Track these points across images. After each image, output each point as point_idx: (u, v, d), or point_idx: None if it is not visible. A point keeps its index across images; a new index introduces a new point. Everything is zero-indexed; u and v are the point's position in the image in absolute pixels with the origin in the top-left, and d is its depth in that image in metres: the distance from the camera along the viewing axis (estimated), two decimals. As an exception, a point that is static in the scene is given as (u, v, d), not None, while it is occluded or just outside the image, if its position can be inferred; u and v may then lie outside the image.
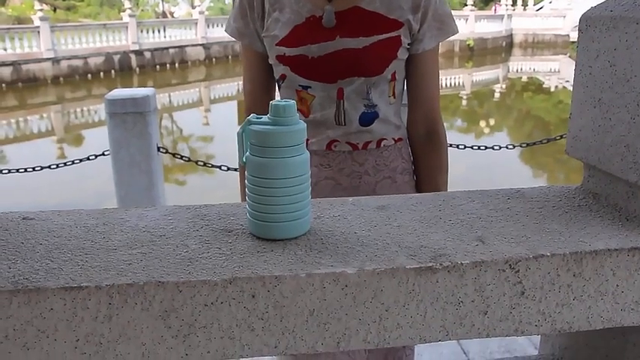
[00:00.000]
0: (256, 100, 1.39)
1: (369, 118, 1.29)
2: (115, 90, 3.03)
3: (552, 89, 18.98)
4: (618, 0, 0.87)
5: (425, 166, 1.39)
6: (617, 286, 0.76)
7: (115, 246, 0.75)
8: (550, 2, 37.69)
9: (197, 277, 0.66)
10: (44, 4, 19.18)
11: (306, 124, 0.78)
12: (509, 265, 0.73)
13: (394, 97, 1.33)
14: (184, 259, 0.71)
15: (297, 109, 1.31)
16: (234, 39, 1.38)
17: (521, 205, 0.91)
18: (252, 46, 1.35)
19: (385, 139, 1.33)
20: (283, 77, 1.31)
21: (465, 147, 3.29)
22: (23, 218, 0.85)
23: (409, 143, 1.40)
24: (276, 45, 1.28)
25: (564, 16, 30.35)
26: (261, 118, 0.77)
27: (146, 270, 0.68)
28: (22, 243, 0.77)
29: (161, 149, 2.97)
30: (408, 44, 1.28)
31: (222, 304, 0.66)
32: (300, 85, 1.29)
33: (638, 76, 0.80)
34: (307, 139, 1.31)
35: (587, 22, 0.90)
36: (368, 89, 1.26)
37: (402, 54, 1.28)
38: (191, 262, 0.70)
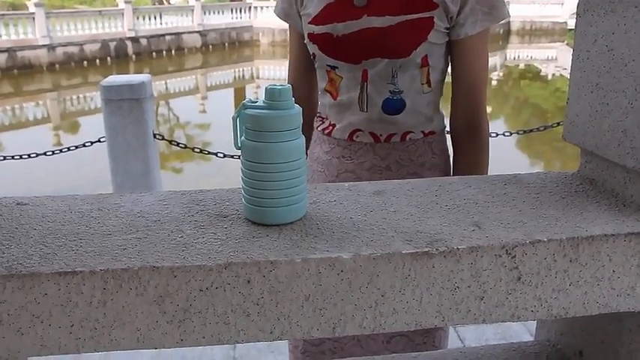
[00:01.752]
0: (297, 80, 1.39)
1: (394, 105, 1.23)
2: (111, 76, 3.01)
3: (549, 77, 18.95)
4: (617, -16, 0.86)
5: (462, 162, 1.31)
6: (614, 271, 0.76)
7: (110, 231, 0.74)
8: (548, -11, 37.51)
9: (192, 262, 0.66)
10: (39, -10, 18.98)
11: (301, 109, 0.77)
12: (506, 250, 0.72)
13: (429, 86, 1.25)
14: (179, 244, 0.70)
15: (327, 91, 1.31)
16: (281, 20, 1.38)
17: (517, 190, 0.91)
18: (295, 27, 1.34)
19: (412, 132, 1.26)
20: (314, 56, 1.29)
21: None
22: (17, 204, 0.85)
23: (451, 136, 1.33)
24: (309, 23, 1.26)
25: (562, 4, 30.23)
26: (255, 102, 0.77)
27: (141, 255, 0.67)
28: (16, 228, 0.76)
29: (157, 136, 2.96)
30: (446, 28, 1.20)
31: (217, 289, 0.66)
32: (328, 65, 1.26)
33: (637, 61, 0.79)
34: (333, 125, 1.31)
35: (586, 5, 0.89)
36: (394, 73, 1.20)
37: (436, 38, 1.20)
38: (186, 248, 0.69)
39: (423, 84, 1.24)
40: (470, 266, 0.71)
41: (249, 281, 0.66)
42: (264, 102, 0.75)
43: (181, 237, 0.72)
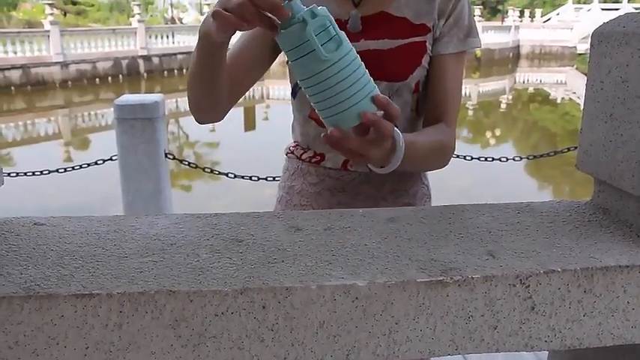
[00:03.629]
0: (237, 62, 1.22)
1: None
2: (124, 95, 3.05)
3: (559, 101, 18.96)
4: (631, 16, 0.87)
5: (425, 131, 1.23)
6: (628, 303, 0.76)
7: (126, 253, 0.75)
8: (557, 14, 37.73)
9: (208, 286, 0.66)
10: (55, 9, 19.29)
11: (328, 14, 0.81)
12: (520, 279, 0.72)
13: (416, 114, 1.25)
14: (195, 268, 0.71)
15: (312, 118, 1.25)
16: None
17: (531, 219, 0.91)
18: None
19: None
20: None
21: (472, 158, 3.29)
22: (34, 224, 0.86)
23: None
24: None
25: (571, 28, 30.39)
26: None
27: (157, 278, 0.68)
28: (34, 249, 0.77)
29: (169, 155, 2.98)
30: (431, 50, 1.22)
31: (232, 314, 0.67)
32: None
33: (651, 93, 0.80)
34: (321, 154, 1.25)
35: (599, 37, 0.90)
36: (390, 97, 1.19)
37: (426, 61, 1.21)
38: (202, 272, 0.70)
39: (412, 110, 1.24)
40: (484, 295, 0.72)
41: (264, 307, 0.67)
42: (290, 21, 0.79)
43: (197, 261, 0.73)
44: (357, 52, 0.88)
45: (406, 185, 1.27)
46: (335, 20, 1.19)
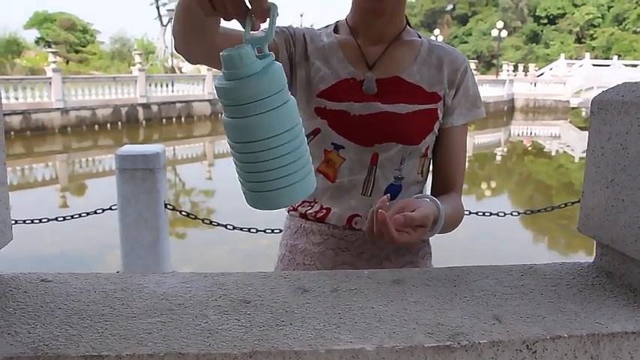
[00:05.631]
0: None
1: (394, 191, 1.23)
2: (126, 146, 3.08)
3: (553, 153, 19.16)
4: (628, 86, 0.90)
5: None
6: (635, 370, 0.76)
7: (134, 313, 0.75)
8: (551, 69, 38.58)
9: (217, 349, 0.66)
10: (58, 57, 19.65)
11: (281, 66, 0.68)
12: (527, 345, 0.73)
13: (422, 176, 1.28)
14: (204, 330, 0.71)
15: (321, 172, 1.23)
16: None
17: (535, 282, 0.92)
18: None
19: None
20: (316, 132, 1.21)
21: (470, 213, 3.31)
22: (42, 280, 0.86)
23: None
24: (317, 96, 1.20)
25: (564, 83, 30.99)
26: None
27: (166, 340, 0.68)
28: (41, 307, 0.77)
29: (168, 206, 2.99)
30: (442, 118, 1.26)
31: (240, 378, 0.66)
32: (332, 144, 1.20)
33: (651, 161, 0.82)
34: (328, 209, 1.25)
35: (599, 105, 0.93)
36: (402, 159, 1.22)
37: (437, 128, 1.25)
38: (211, 334, 0.70)
39: (418, 173, 1.26)
40: (491, 361, 0.72)
41: (272, 371, 0.67)
42: (223, 72, 0.66)
43: (206, 322, 0.73)
44: (374, 114, 0.88)
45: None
46: (350, 79, 1.22)
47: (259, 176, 0.67)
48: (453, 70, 1.25)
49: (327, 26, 1.31)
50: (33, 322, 0.73)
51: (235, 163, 0.70)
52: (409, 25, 1.29)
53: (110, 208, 3.05)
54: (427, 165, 1.29)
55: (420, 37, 1.28)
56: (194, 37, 1.03)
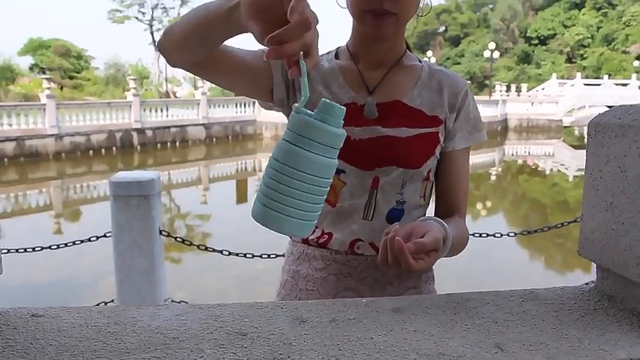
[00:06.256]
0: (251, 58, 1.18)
1: (396, 215, 1.23)
2: (120, 172, 3.06)
3: (547, 172, 19.23)
4: (625, 109, 0.90)
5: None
6: (641, 398, 0.74)
7: (128, 348, 0.73)
8: (543, 89, 38.96)
9: (213, 386, 0.64)
10: (52, 83, 19.69)
11: (346, 134, 0.77)
12: (531, 375, 0.71)
13: (424, 199, 1.27)
14: (199, 365, 0.69)
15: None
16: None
17: (536, 308, 0.90)
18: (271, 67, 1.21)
19: None
20: None
21: (467, 233, 3.29)
22: (32, 315, 0.84)
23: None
24: None
25: (557, 102, 31.27)
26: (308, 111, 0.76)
27: (160, 377, 0.66)
28: (31, 343, 0.75)
29: (163, 232, 2.96)
30: (443, 142, 1.25)
31: (237, 415, 0.64)
32: None
33: (650, 184, 0.81)
34: (329, 233, 1.24)
35: (596, 127, 0.92)
36: (403, 183, 1.21)
37: (438, 151, 1.25)
38: (206, 369, 0.68)
39: (420, 197, 1.25)
40: (495, 392, 0.70)
41: (270, 407, 0.65)
42: (316, 113, 0.75)
43: (201, 357, 0.71)
44: (375, 138, 0.89)
45: None
46: (351, 103, 1.22)
47: (283, 199, 0.74)
48: (454, 94, 1.25)
49: (328, 52, 1.32)
50: None
51: (267, 177, 0.76)
52: (409, 50, 1.29)
53: (105, 235, 3.02)
54: (430, 188, 1.28)
55: (420, 62, 1.29)
56: (197, 43, 1.03)
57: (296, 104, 0.75)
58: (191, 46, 1.04)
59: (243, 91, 1.26)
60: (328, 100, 0.75)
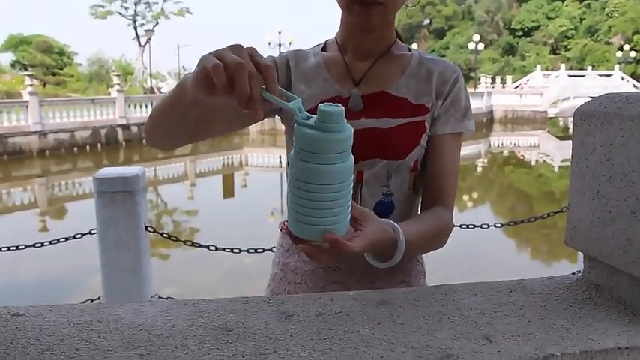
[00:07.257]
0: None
1: (384, 209, 1.21)
2: (105, 169, 3.02)
3: (533, 163, 19.36)
4: (610, 97, 0.90)
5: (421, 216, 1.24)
6: (630, 386, 0.74)
7: (112, 346, 0.72)
8: (527, 80, 39.16)
9: (198, 383, 0.63)
10: (34, 79, 19.44)
11: (352, 131, 0.78)
12: (519, 365, 0.70)
13: (413, 191, 1.25)
14: (184, 362, 0.68)
15: None
16: None
17: (523, 298, 0.90)
18: None
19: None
20: None
21: (454, 226, 3.29)
22: (13, 314, 0.82)
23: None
24: None
25: (541, 94, 31.47)
26: (308, 118, 0.77)
27: (144, 375, 0.65)
28: (12, 343, 0.73)
29: (149, 228, 2.94)
30: (429, 130, 1.22)
31: (223, 412, 0.63)
32: None
33: (637, 172, 0.81)
34: None
35: (582, 116, 0.92)
36: (389, 175, 1.19)
37: (425, 140, 1.22)
38: (191, 366, 0.67)
39: (409, 188, 1.24)
40: (483, 383, 0.69)
41: (257, 403, 0.64)
42: (315, 122, 0.75)
43: (186, 353, 0.70)
44: (357, 131, 0.88)
45: (401, 263, 1.25)
46: (336, 97, 1.20)
47: (314, 212, 0.78)
48: (443, 81, 1.22)
49: (316, 45, 1.30)
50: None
51: (293, 196, 0.79)
52: (400, 39, 1.28)
53: (90, 232, 2.99)
54: (419, 180, 1.26)
55: (410, 51, 1.27)
56: (177, 124, 1.05)
57: (296, 117, 0.77)
58: (173, 128, 1.08)
59: (243, 125, 1.25)
60: (324, 108, 0.75)
